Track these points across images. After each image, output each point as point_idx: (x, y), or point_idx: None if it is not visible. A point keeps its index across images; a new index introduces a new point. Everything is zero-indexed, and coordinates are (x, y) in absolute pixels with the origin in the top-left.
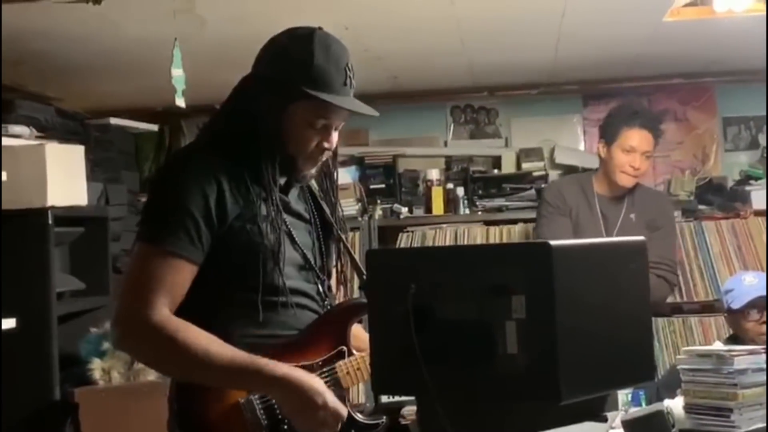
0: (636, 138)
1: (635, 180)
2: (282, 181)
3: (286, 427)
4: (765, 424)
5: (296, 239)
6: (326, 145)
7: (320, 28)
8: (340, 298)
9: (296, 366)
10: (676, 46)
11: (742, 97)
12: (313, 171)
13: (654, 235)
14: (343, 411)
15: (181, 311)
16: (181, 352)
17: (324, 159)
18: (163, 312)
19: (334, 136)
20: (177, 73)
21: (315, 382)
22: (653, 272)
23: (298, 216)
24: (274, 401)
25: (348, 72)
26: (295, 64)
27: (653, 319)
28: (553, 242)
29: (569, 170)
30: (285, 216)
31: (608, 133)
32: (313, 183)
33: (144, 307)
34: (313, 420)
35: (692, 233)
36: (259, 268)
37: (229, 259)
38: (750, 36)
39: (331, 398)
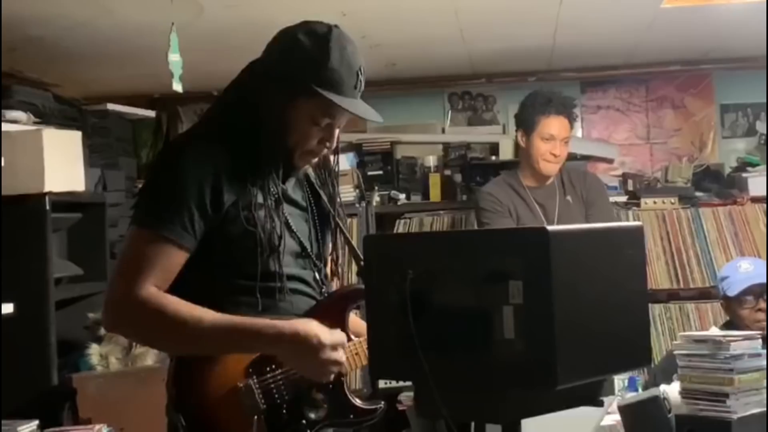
0: (554, 125)
1: (557, 166)
2: (280, 169)
3: (284, 411)
4: (762, 409)
5: (293, 227)
6: (327, 143)
7: (336, 26)
8: (336, 285)
9: None
10: (674, 33)
11: (740, 84)
12: (308, 166)
13: (591, 211)
14: (343, 340)
15: (180, 297)
16: (172, 322)
17: (322, 155)
18: (150, 288)
19: (336, 134)
20: (174, 58)
21: (308, 326)
22: None
23: (294, 204)
24: (273, 385)
25: (359, 75)
26: (309, 61)
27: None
28: (550, 227)
29: (567, 157)
30: (283, 204)
31: (525, 123)
32: (311, 170)
33: (131, 286)
34: (317, 364)
35: (689, 220)
36: (256, 256)
37: (226, 246)
38: (748, 23)
39: (327, 336)
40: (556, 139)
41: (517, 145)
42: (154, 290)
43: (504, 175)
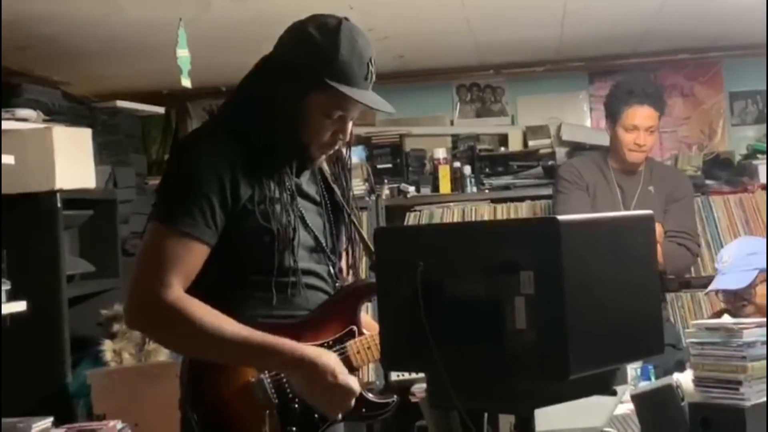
0: (637, 116)
1: (644, 155)
2: (294, 164)
3: (296, 405)
4: None
5: (307, 221)
6: (341, 135)
7: (347, 19)
8: (350, 279)
9: (308, 345)
10: (682, 21)
11: (749, 71)
12: (324, 157)
13: (673, 206)
14: (356, 387)
15: (195, 292)
16: (195, 331)
17: (337, 147)
18: (178, 291)
19: (349, 126)
20: (182, 53)
21: (328, 358)
22: (675, 241)
23: (309, 198)
24: (284, 380)
25: (370, 67)
26: (319, 54)
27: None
28: (560, 217)
29: (576, 147)
30: (297, 198)
31: (611, 113)
32: (325, 165)
33: (158, 286)
34: (326, 397)
35: (700, 208)
36: (271, 250)
37: (242, 240)
38: (756, 10)
39: (343, 375)
40: (639, 129)
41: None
42: (180, 294)
43: (592, 153)
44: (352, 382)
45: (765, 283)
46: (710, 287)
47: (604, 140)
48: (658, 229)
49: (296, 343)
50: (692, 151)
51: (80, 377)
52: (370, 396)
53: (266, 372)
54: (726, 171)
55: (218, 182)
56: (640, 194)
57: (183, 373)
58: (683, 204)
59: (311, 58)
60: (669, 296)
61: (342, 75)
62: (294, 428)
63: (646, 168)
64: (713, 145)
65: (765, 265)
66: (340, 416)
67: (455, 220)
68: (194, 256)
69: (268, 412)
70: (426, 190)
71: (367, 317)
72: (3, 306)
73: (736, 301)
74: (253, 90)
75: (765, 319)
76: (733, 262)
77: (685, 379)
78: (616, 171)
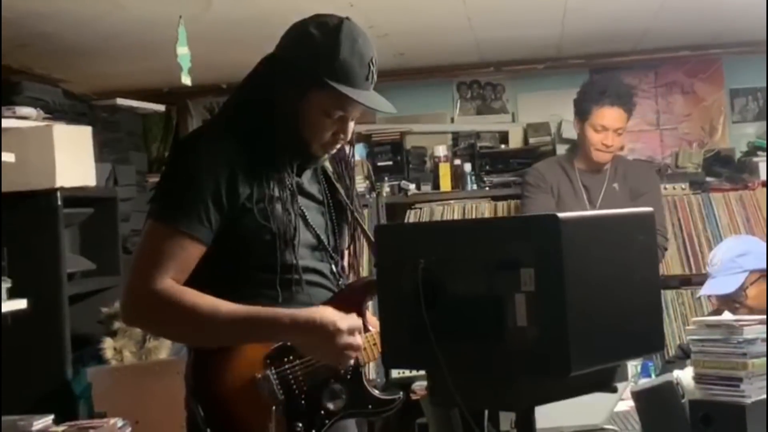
0: (606, 117)
1: (610, 156)
2: (295, 163)
3: (303, 401)
4: None
5: (309, 220)
6: (341, 135)
7: (348, 19)
8: (353, 278)
9: None
10: (683, 18)
11: (750, 68)
12: (326, 156)
13: (638, 201)
14: (359, 324)
15: (198, 290)
16: (189, 314)
17: (338, 147)
18: (167, 281)
19: (350, 126)
20: (182, 51)
21: (324, 313)
22: None
23: (311, 197)
24: (290, 375)
25: (371, 67)
26: (320, 54)
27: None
28: (561, 214)
29: (576, 144)
30: (298, 197)
31: (580, 111)
32: (328, 164)
33: (148, 280)
34: (334, 350)
35: (700, 205)
36: (273, 249)
37: (243, 239)
38: (756, 7)
39: (344, 322)
40: (608, 130)
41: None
42: (170, 283)
43: (558, 156)
44: (354, 323)
45: (757, 284)
46: (701, 292)
47: None
48: None
49: (292, 309)
50: (693, 148)
51: (84, 378)
52: (376, 392)
53: (272, 367)
54: (727, 168)
55: (214, 181)
56: (605, 193)
57: (187, 370)
58: (648, 198)
59: (312, 58)
60: (669, 294)
61: (342, 75)
62: (300, 424)
63: (611, 166)
64: (714, 142)
65: (755, 266)
66: (352, 362)
67: (456, 217)
68: (188, 253)
69: (274, 408)
70: (426, 188)
71: (371, 315)
72: (4, 304)
73: (728, 304)
74: (255, 89)
75: (765, 317)
76: (722, 265)
77: (685, 376)
78: (581, 171)
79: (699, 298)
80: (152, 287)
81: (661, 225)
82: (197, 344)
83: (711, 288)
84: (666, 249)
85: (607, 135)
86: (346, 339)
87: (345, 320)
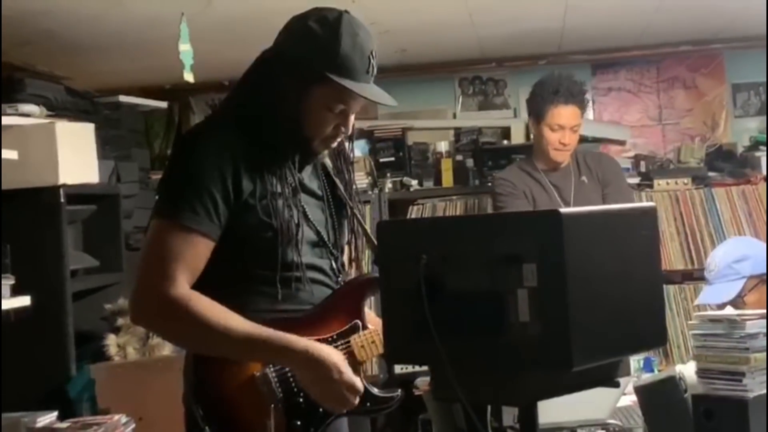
0: (562, 116)
1: (568, 153)
2: (297, 158)
3: (301, 399)
4: None
5: (309, 216)
6: (343, 129)
7: (347, 12)
8: (353, 274)
9: (313, 340)
10: (684, 13)
11: (752, 63)
12: (327, 151)
13: (609, 189)
14: (360, 385)
15: (200, 287)
16: (201, 327)
17: (339, 141)
18: (183, 286)
19: (351, 119)
20: (184, 48)
21: (333, 355)
22: None
23: (311, 193)
24: (289, 374)
25: (371, 60)
26: (320, 48)
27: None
28: (563, 209)
29: (579, 140)
30: (299, 193)
31: (534, 112)
32: (327, 159)
33: (163, 282)
34: (330, 393)
35: (702, 200)
36: (274, 245)
37: (245, 236)
38: (757, 2)
39: (348, 373)
40: (565, 128)
41: (527, 129)
42: (186, 289)
43: (518, 162)
44: (356, 380)
45: (756, 290)
46: (698, 300)
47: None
48: None
49: (302, 338)
50: (695, 143)
51: (81, 379)
52: (374, 390)
53: (271, 366)
54: (729, 163)
55: (220, 176)
56: (575, 187)
57: (187, 368)
58: (617, 184)
59: (312, 53)
60: (671, 289)
61: (344, 69)
62: (299, 422)
63: (572, 161)
64: (716, 136)
65: (753, 271)
66: (344, 411)
67: (458, 213)
68: (198, 251)
69: (272, 406)
70: (429, 184)
71: (371, 312)
72: (7, 301)
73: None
74: (255, 84)
75: (766, 311)
76: (719, 272)
77: (687, 370)
78: (545, 171)
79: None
80: (168, 294)
81: None
82: (202, 353)
83: (708, 297)
84: None
85: (564, 133)
86: (345, 392)
87: (350, 373)
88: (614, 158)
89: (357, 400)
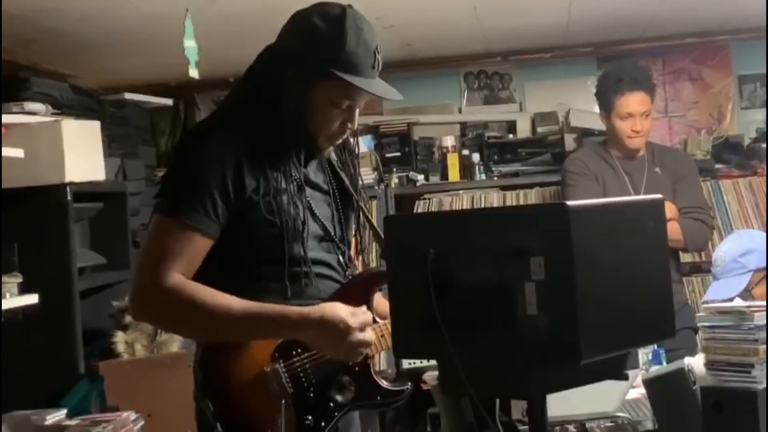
0: (630, 104)
1: (643, 140)
2: (302, 154)
3: (312, 395)
4: None
5: (315, 211)
6: (349, 125)
7: (350, 6)
8: (360, 267)
9: None
10: (690, 5)
11: (758, 54)
12: (332, 147)
13: (681, 184)
14: (368, 319)
15: (206, 284)
16: (200, 310)
17: (345, 137)
18: (177, 277)
19: (356, 115)
20: (189, 44)
21: (334, 310)
22: (691, 216)
23: (317, 187)
24: (299, 370)
25: (377, 55)
26: (325, 45)
27: None
28: (569, 202)
29: (584, 133)
30: (305, 188)
31: (603, 104)
32: (332, 154)
33: (158, 275)
34: (343, 345)
35: (710, 192)
36: (281, 241)
37: (251, 232)
38: None
39: (352, 318)
40: (634, 116)
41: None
42: (180, 278)
43: (593, 145)
44: (363, 318)
45: (762, 283)
46: (705, 296)
47: None
48: (673, 208)
49: (302, 307)
50: (701, 135)
51: (77, 395)
52: (384, 383)
53: (281, 361)
54: (735, 155)
55: (221, 174)
56: (647, 177)
57: (196, 364)
58: (690, 180)
59: (318, 50)
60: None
61: (349, 65)
62: (309, 417)
63: (647, 151)
64: (722, 128)
65: (759, 264)
66: (362, 355)
67: (464, 207)
68: (196, 248)
69: (283, 401)
70: (435, 179)
71: (382, 299)
72: (15, 299)
73: None
74: (259, 81)
75: None
76: (725, 267)
77: (696, 362)
78: (619, 158)
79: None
80: (162, 283)
81: (706, 206)
82: (205, 339)
83: (716, 292)
84: (714, 228)
85: (634, 121)
86: (357, 335)
87: (355, 316)
88: (690, 155)
89: (372, 337)
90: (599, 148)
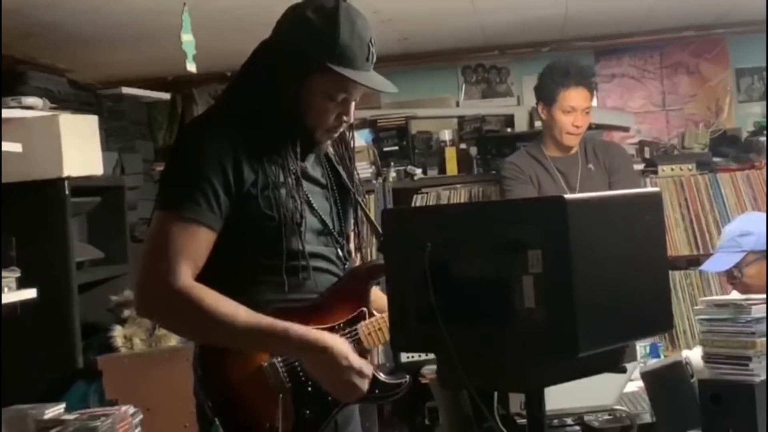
0: (574, 98)
1: (579, 137)
2: (299, 148)
3: (310, 389)
4: None
5: (314, 205)
6: (345, 117)
7: (344, 0)
8: (358, 261)
9: (319, 329)
10: None
11: (755, 47)
12: (329, 141)
13: (616, 177)
14: (369, 371)
15: (205, 278)
16: (207, 318)
17: (341, 130)
18: (187, 278)
19: (352, 108)
20: (187, 38)
21: (341, 344)
22: None
23: (315, 181)
24: (297, 364)
25: (371, 47)
26: (319, 38)
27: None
28: (567, 195)
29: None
30: (303, 182)
31: (545, 96)
32: (329, 147)
33: (167, 273)
34: (340, 382)
35: (707, 186)
36: (279, 235)
37: (248, 226)
38: None
39: (356, 359)
40: (577, 111)
41: (531, 116)
42: (190, 281)
43: (526, 147)
44: (365, 366)
45: (755, 264)
46: (700, 267)
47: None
48: None
49: (309, 328)
50: (699, 128)
51: (73, 398)
52: (382, 377)
53: (279, 356)
54: (733, 148)
55: (221, 167)
56: (581, 175)
57: (195, 359)
58: (624, 172)
59: (312, 43)
60: (677, 274)
61: (344, 58)
62: (307, 411)
63: (580, 148)
64: (720, 122)
65: (754, 247)
66: (355, 399)
67: (462, 201)
68: (200, 242)
69: (281, 395)
70: (433, 172)
71: (379, 292)
72: (14, 294)
73: (728, 280)
74: (255, 75)
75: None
76: (723, 243)
77: (694, 355)
78: (553, 158)
79: (706, 277)
80: (172, 284)
81: None
82: (204, 343)
83: (709, 265)
84: None
85: (576, 116)
86: (354, 377)
87: (358, 360)
88: (622, 147)
89: (366, 387)
90: (533, 149)
